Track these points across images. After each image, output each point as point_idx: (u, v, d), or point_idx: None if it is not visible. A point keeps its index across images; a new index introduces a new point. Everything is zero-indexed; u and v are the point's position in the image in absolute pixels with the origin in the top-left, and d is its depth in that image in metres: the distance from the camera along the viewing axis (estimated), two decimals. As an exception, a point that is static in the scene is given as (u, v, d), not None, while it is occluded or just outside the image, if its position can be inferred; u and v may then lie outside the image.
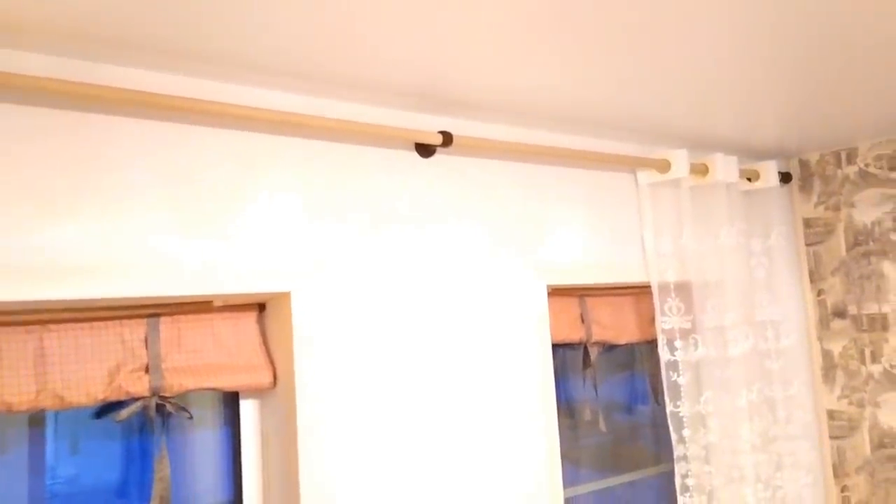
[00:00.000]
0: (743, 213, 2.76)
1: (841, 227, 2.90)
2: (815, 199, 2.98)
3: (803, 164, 3.02)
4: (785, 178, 2.99)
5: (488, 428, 2.08)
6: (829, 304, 2.93)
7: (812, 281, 2.98)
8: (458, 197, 2.11)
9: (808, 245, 3.00)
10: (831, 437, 2.90)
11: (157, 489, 1.68)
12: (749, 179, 2.83)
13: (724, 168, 2.62)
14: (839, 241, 2.90)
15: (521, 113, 2.16)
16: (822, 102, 2.29)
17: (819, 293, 2.96)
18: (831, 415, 2.91)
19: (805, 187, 3.02)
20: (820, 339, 2.95)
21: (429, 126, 2.07)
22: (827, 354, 2.93)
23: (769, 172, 2.81)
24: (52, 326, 1.56)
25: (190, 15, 1.38)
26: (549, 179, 2.34)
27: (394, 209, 1.98)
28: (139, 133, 1.60)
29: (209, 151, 1.69)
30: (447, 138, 2.00)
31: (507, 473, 2.10)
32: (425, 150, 2.04)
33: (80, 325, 1.60)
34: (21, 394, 1.51)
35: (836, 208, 2.91)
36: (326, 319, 1.82)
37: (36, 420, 1.67)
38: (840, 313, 2.89)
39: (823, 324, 2.94)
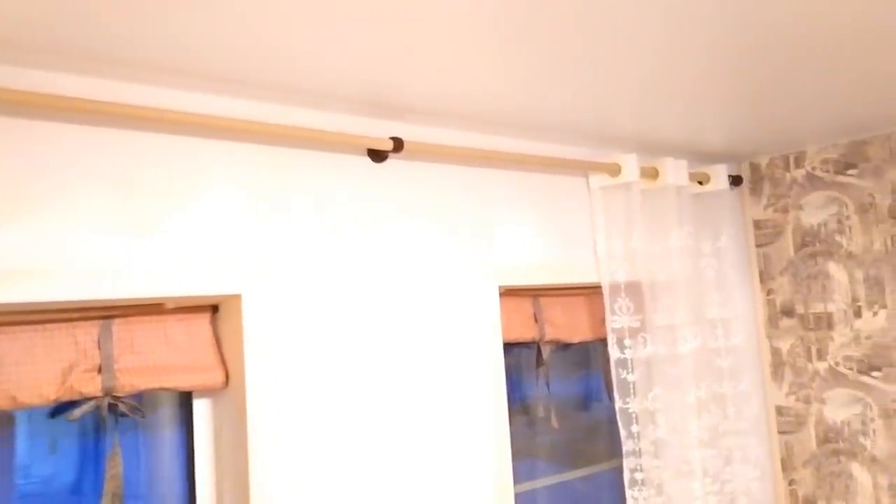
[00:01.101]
0: (693, 216, 2.85)
1: (789, 229, 2.99)
2: (764, 201, 3.07)
3: (754, 168, 3.12)
4: (736, 180, 3.08)
5: (439, 426, 2.14)
6: (777, 303, 3.02)
7: (762, 281, 3.07)
8: (410, 201, 2.17)
9: (758, 246, 3.09)
10: (779, 433, 3.00)
11: (108, 486, 1.72)
12: (700, 182, 2.92)
13: (674, 172, 2.70)
14: (787, 243, 2.99)
15: (472, 119, 2.23)
16: (768, 106, 2.37)
17: (769, 293, 3.05)
18: (779, 410, 3.00)
19: (755, 190, 3.11)
20: (769, 337, 3.04)
21: (381, 132, 2.13)
22: (776, 352, 3.02)
23: (719, 176, 2.89)
24: (4, 328, 1.61)
25: (133, 23, 1.43)
26: (501, 183, 2.40)
27: (345, 213, 2.03)
28: (84, 139, 1.64)
29: (156, 156, 1.73)
30: (398, 144, 2.06)
31: (458, 470, 2.16)
32: (377, 155, 2.10)
33: (32, 326, 1.64)
34: (-27, 394, 1.55)
35: (785, 210, 3.01)
36: (277, 321, 1.87)
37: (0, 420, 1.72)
38: (788, 312, 2.99)
39: (772, 322, 3.03)
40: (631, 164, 2.59)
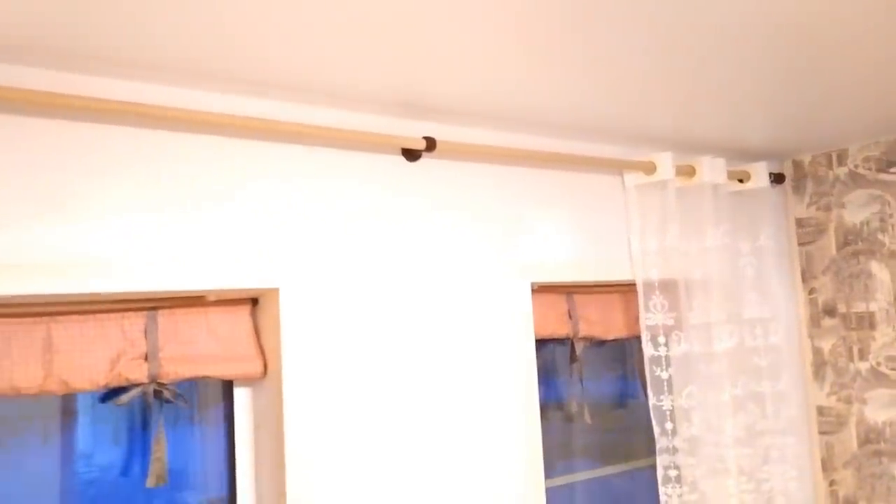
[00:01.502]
0: (731, 214, 2.84)
1: (832, 227, 2.96)
2: (807, 199, 3.04)
3: (797, 165, 3.09)
4: (778, 178, 3.06)
5: (471, 419, 2.20)
6: (819, 302, 2.99)
7: (804, 280, 3.04)
8: (443, 199, 2.23)
9: (800, 245, 3.06)
10: (820, 433, 2.97)
11: (153, 468, 1.83)
12: (741, 180, 2.91)
13: (711, 170, 2.71)
14: (830, 241, 2.96)
15: (505, 118, 2.28)
16: (810, 104, 2.35)
17: (811, 292, 3.02)
18: (820, 411, 2.97)
19: (798, 188, 3.08)
20: (811, 336, 3.01)
21: (415, 132, 2.19)
22: (817, 352, 2.99)
23: (760, 173, 2.88)
24: (59, 318, 1.72)
25: (180, 29, 1.53)
26: (534, 181, 2.45)
27: (380, 210, 2.11)
28: (132, 141, 1.75)
29: (199, 157, 1.83)
30: (431, 143, 2.12)
31: (489, 464, 2.22)
32: (411, 154, 2.16)
33: (84, 316, 1.76)
34: (29, 379, 1.67)
35: (828, 209, 2.97)
36: (313, 314, 1.95)
37: (47, 406, 1.84)
38: (830, 311, 2.95)
39: (814, 322, 3.00)
40: (666, 163, 2.61)
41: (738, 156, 3.01)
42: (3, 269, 1.56)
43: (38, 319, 1.70)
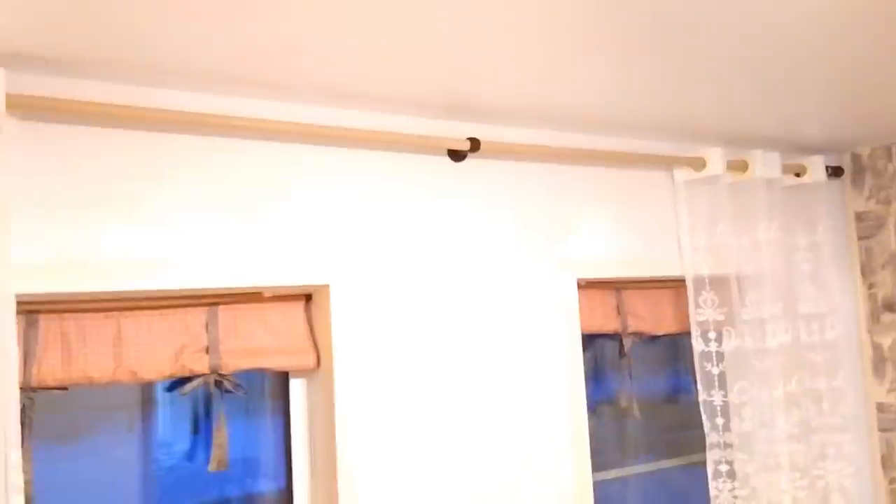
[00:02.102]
0: (785, 209, 2.82)
1: (891, 222, 2.90)
2: (866, 193, 2.99)
3: (855, 158, 3.03)
4: (836, 172, 3.01)
5: (517, 412, 2.26)
6: (879, 297, 2.93)
7: (863, 275, 2.99)
8: (488, 197, 2.30)
9: (859, 239, 3.01)
10: (880, 430, 2.91)
11: (215, 454, 1.95)
12: (797, 175, 2.88)
13: (764, 164, 2.69)
14: (890, 235, 2.90)
15: (550, 117, 2.32)
16: (867, 96, 2.32)
17: (870, 287, 2.97)
18: (880, 407, 2.92)
19: (857, 181, 3.03)
20: (870, 332, 2.96)
21: (459, 133, 2.26)
22: (877, 348, 2.94)
23: (816, 167, 2.85)
24: (128, 313, 1.86)
25: (235, 43, 1.64)
26: (580, 178, 2.48)
27: (427, 210, 2.19)
28: (196, 147, 1.87)
29: (258, 162, 1.95)
30: (475, 144, 2.19)
31: (536, 456, 2.27)
32: (456, 155, 2.24)
33: (151, 312, 1.89)
34: (101, 370, 1.81)
35: (887, 202, 2.91)
36: (363, 309, 2.05)
37: (116, 396, 1.99)
38: (890, 307, 2.90)
39: (874, 317, 2.95)
40: (716, 158, 2.61)
41: (794, 149, 2.97)
42: (78, 269, 1.70)
43: (109, 315, 1.84)
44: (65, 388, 1.81)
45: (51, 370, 1.76)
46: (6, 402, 1.50)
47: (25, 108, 1.60)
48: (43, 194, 1.69)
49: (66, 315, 1.80)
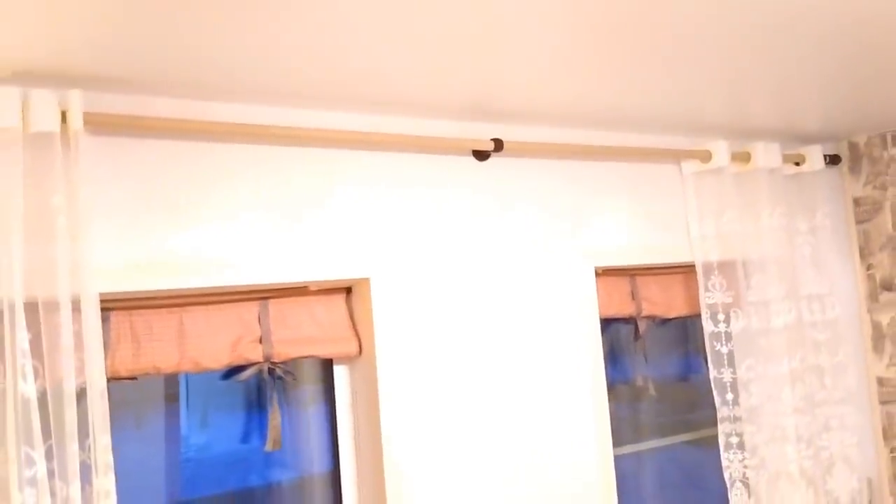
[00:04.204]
0: (787, 196, 2.99)
1: (888, 206, 3.07)
2: (863, 179, 3.16)
3: (852, 147, 3.20)
4: (834, 160, 3.18)
5: (543, 392, 2.43)
6: (877, 278, 3.11)
7: (862, 257, 3.16)
8: (511, 194, 2.47)
9: (857, 223, 3.18)
10: (881, 402, 3.09)
11: (270, 434, 2.13)
12: (797, 163, 3.04)
13: (766, 155, 2.86)
14: (886, 219, 3.07)
15: (568, 116, 2.49)
16: (863, 87, 2.45)
17: (868, 268, 3.14)
18: (880, 381, 3.10)
19: (854, 168, 3.19)
20: (869, 311, 3.13)
21: (483, 134, 2.43)
22: (876, 325, 3.11)
23: (815, 156, 3.01)
24: (189, 308, 2.04)
25: (282, 63, 1.80)
26: (596, 174, 2.66)
27: (455, 207, 2.36)
28: (244, 155, 2.04)
29: (299, 167, 2.12)
30: (499, 144, 2.36)
31: (562, 433, 2.45)
32: (480, 155, 2.41)
33: (210, 306, 2.06)
34: (167, 360, 1.98)
35: (884, 188, 3.08)
36: (400, 300, 2.22)
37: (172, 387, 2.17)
38: (888, 287, 3.07)
39: (872, 297, 3.12)
40: (722, 151, 2.78)
41: (794, 140, 3.14)
42: (144, 269, 1.87)
43: (172, 310, 2.02)
44: (134, 378, 1.98)
45: (123, 362, 1.93)
46: (95, 390, 1.67)
47: (99, 124, 1.77)
48: (111, 203, 1.86)
49: (134, 311, 1.98)
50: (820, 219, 3.05)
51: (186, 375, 2.20)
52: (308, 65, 1.82)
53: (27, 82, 1.72)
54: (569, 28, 1.76)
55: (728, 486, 2.73)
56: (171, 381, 2.20)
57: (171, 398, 2.20)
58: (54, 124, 1.66)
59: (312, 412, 2.34)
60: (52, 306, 1.66)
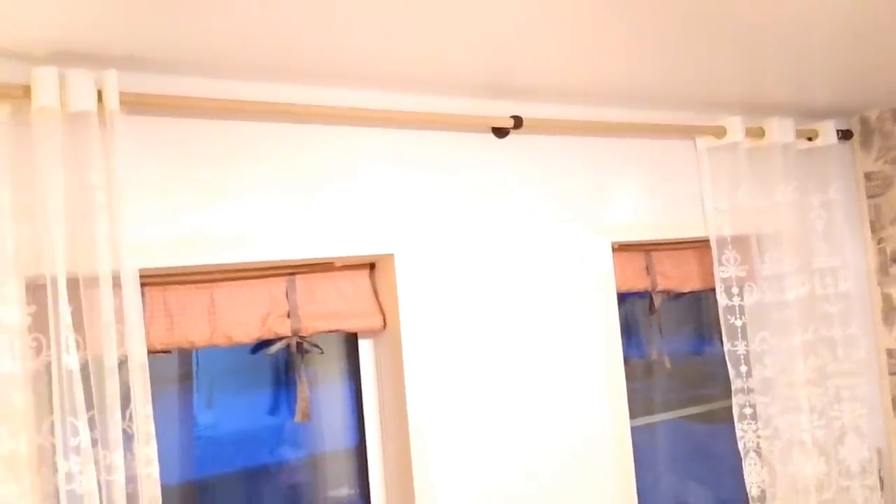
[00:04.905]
0: (800, 171, 3.02)
1: (899, 180, 3.11)
2: (874, 154, 3.19)
3: (864, 122, 3.23)
4: (846, 135, 3.21)
5: (562, 365, 2.49)
6: (888, 251, 3.15)
7: (873, 231, 3.20)
8: (530, 170, 2.51)
9: (869, 197, 3.22)
10: (890, 374, 3.15)
11: (299, 406, 2.19)
12: (809, 139, 3.08)
13: (780, 130, 2.89)
14: (897, 193, 3.11)
15: (585, 93, 2.52)
16: (876, 62, 2.48)
17: (879, 241, 3.18)
18: (890, 353, 3.15)
19: (866, 143, 3.23)
20: (880, 284, 3.18)
21: (503, 111, 2.46)
22: (886, 298, 3.16)
23: (827, 131, 3.05)
24: (220, 284, 2.08)
25: (304, 43, 1.84)
26: (612, 150, 2.69)
27: (476, 183, 2.40)
28: (273, 134, 2.08)
29: (323, 146, 2.16)
30: (518, 121, 2.39)
31: (580, 405, 2.51)
32: (500, 132, 2.44)
33: (240, 282, 2.11)
34: (200, 334, 2.03)
35: (895, 162, 3.11)
36: (423, 274, 2.27)
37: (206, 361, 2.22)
38: (899, 260, 3.12)
39: (883, 270, 3.17)
40: (736, 126, 2.81)
41: (807, 115, 3.17)
42: (176, 246, 1.92)
43: (203, 286, 2.06)
44: (168, 352, 2.04)
45: (158, 336, 1.98)
46: (136, 362, 1.72)
47: (133, 104, 1.80)
48: (143, 181, 1.91)
49: (167, 287, 2.03)
50: (832, 193, 3.09)
51: (201, 352, 2.25)
52: (331, 44, 1.86)
53: (64, 62, 1.76)
54: (588, 5, 1.79)
55: (742, 455, 2.79)
56: (186, 358, 2.23)
57: (186, 377, 2.24)
58: (91, 104, 1.70)
59: (337, 386, 2.40)
60: (92, 281, 1.71)
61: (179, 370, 2.22)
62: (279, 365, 2.33)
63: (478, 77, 2.24)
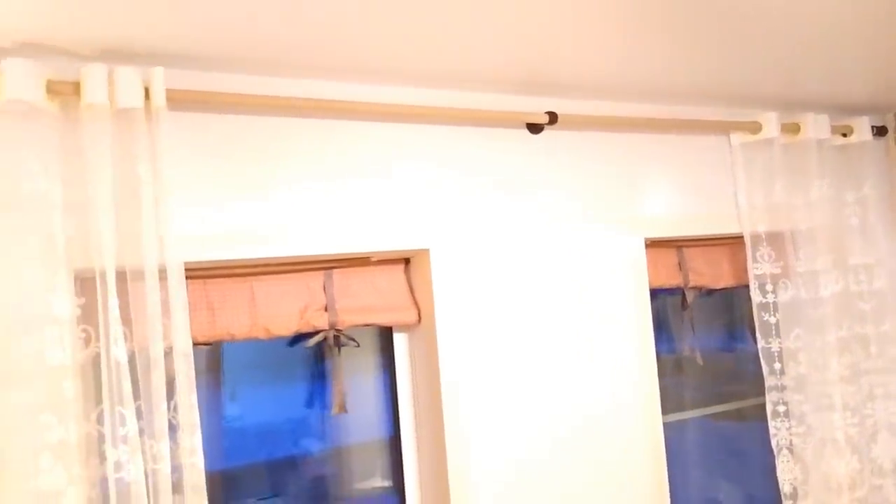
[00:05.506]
0: (835, 167, 3.00)
1: (935, 176, 3.07)
2: (910, 150, 3.16)
3: (899, 118, 3.20)
4: (881, 131, 3.18)
5: (595, 360, 2.50)
6: (924, 248, 3.12)
7: (908, 227, 3.17)
8: (565, 166, 2.51)
9: (904, 194, 3.19)
10: (925, 372, 3.12)
11: (336, 399, 2.22)
12: (844, 135, 3.05)
13: (815, 126, 2.87)
14: (934, 190, 3.08)
15: (620, 89, 2.52)
16: None
17: (915, 238, 3.15)
18: (925, 351, 3.12)
19: (902, 139, 3.19)
20: (915, 281, 3.15)
21: (537, 107, 2.47)
22: (922, 296, 3.13)
23: (862, 127, 3.02)
24: (260, 277, 2.12)
25: (343, 41, 1.86)
26: (647, 146, 2.69)
27: (510, 179, 2.41)
28: (311, 130, 2.11)
29: (363, 141, 2.18)
30: (553, 117, 2.40)
31: (613, 400, 2.51)
32: (535, 128, 2.45)
33: (278, 276, 2.14)
34: (240, 327, 2.07)
35: (932, 158, 3.09)
36: (458, 269, 2.29)
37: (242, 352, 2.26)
38: (935, 257, 3.08)
39: (919, 267, 3.13)
40: (771, 122, 2.80)
41: (841, 111, 3.14)
42: (217, 240, 1.95)
43: (244, 279, 2.10)
44: (209, 344, 2.07)
45: (200, 328, 2.02)
46: (181, 354, 1.76)
47: (178, 101, 1.84)
48: (186, 176, 1.94)
49: (208, 280, 2.06)
50: (867, 190, 3.06)
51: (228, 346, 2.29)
52: (369, 41, 1.88)
53: (112, 59, 1.80)
54: (622, 1, 1.80)
55: (775, 453, 2.78)
56: (215, 352, 2.26)
57: (215, 369, 2.27)
58: (139, 100, 1.73)
59: (371, 379, 2.43)
60: (139, 274, 1.75)
61: (207, 363, 2.25)
62: (309, 358, 2.36)
63: (512, 73, 2.25)
